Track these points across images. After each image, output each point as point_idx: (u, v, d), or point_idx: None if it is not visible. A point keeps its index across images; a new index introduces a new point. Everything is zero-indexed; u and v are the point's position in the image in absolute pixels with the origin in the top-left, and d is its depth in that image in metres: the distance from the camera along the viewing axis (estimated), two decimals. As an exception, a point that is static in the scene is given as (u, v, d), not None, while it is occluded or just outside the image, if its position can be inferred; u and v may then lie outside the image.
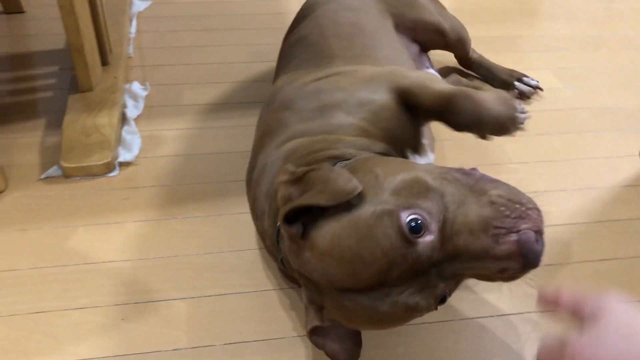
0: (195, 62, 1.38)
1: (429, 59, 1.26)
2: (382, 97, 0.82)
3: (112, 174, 1.05)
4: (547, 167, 1.13)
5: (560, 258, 0.94)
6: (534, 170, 1.12)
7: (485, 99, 0.80)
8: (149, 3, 1.60)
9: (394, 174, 0.62)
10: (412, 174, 0.62)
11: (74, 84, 1.18)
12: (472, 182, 0.63)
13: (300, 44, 1.04)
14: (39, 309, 0.83)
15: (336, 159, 0.73)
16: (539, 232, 0.59)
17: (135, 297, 0.85)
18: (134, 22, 1.50)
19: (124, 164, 1.07)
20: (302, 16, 1.13)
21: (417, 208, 0.58)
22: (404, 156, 0.81)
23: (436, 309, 0.62)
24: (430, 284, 0.59)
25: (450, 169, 0.66)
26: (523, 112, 0.82)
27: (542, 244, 0.59)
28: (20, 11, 1.54)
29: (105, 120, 1.11)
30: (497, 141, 1.17)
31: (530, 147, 1.18)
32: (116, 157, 1.07)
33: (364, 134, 0.78)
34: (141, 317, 0.82)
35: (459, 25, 1.30)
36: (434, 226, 0.58)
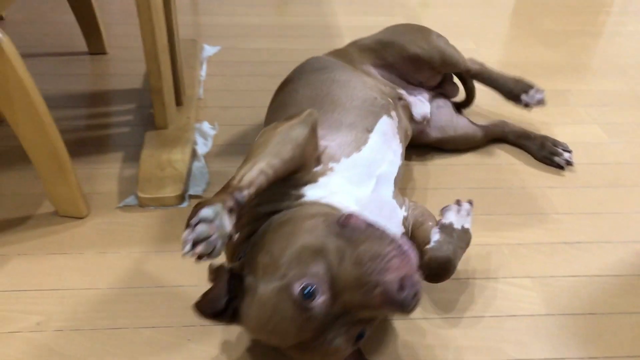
0: (260, 105, 1.49)
1: (428, 93, 1.30)
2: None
3: (182, 205, 1.15)
4: (592, 219, 1.17)
5: (602, 308, 0.97)
6: (578, 222, 1.16)
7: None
8: (218, 49, 1.74)
9: (284, 248, 0.71)
10: (298, 242, 0.71)
11: (151, 121, 1.30)
12: (348, 233, 0.71)
13: (284, 96, 1.14)
14: (116, 326, 0.92)
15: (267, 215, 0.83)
16: (404, 279, 0.64)
17: (200, 320, 0.93)
18: (204, 66, 1.63)
19: (194, 197, 1.17)
20: (297, 72, 1.21)
21: (306, 277, 0.67)
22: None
23: (356, 345, 0.72)
24: (343, 330, 0.69)
25: (331, 221, 0.74)
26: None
27: (410, 287, 0.64)
28: (103, 52, 1.70)
29: (179, 156, 1.22)
30: (542, 191, 1.22)
31: (575, 199, 1.22)
32: (187, 190, 1.17)
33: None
34: (205, 339, 0.90)
35: (440, 46, 1.27)
36: (324, 287, 0.67)
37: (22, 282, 0.98)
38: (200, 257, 0.68)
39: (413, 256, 0.68)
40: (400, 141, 1.08)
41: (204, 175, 1.23)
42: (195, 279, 1.00)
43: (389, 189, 0.97)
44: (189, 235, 0.68)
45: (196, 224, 0.69)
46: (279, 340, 0.72)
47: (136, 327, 0.92)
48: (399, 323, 0.92)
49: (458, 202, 0.94)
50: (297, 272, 0.68)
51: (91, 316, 0.93)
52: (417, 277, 0.67)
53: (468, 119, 1.37)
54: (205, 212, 0.69)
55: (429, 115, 1.26)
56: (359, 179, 0.91)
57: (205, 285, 0.98)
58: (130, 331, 0.91)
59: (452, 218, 0.91)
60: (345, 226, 0.72)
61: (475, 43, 1.94)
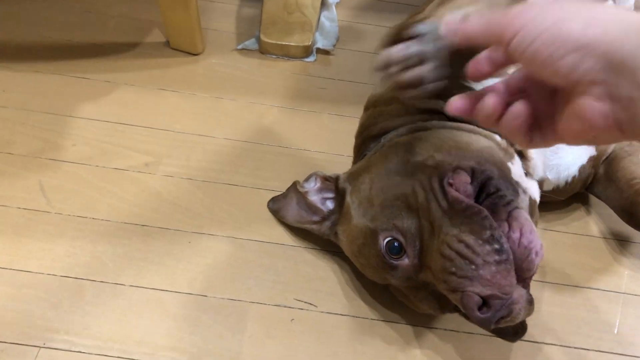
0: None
1: None
2: None
3: (308, 59, 0.99)
4: None
5: None
6: None
7: None
8: None
9: (384, 186, 0.60)
10: (400, 186, 0.59)
11: (279, -45, 1.10)
12: (451, 201, 0.55)
13: None
14: (232, 182, 0.80)
15: (376, 137, 0.70)
16: (490, 297, 0.51)
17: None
18: None
19: (321, 51, 1.00)
20: None
21: (394, 230, 0.57)
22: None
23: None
24: (435, 296, 0.58)
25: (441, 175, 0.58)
26: None
27: (496, 310, 0.51)
28: None
29: (308, 0, 1.03)
30: None
31: None
32: (315, 43, 1.00)
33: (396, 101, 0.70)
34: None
35: None
36: (412, 250, 0.57)
37: (130, 116, 0.86)
38: (404, 88, 0.49)
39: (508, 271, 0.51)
40: None
41: (333, 27, 1.04)
42: (323, 144, 0.86)
43: None
44: (405, 49, 0.48)
45: (410, 38, 0.48)
46: (371, 276, 0.64)
47: (255, 187, 0.79)
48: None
49: None
50: (387, 222, 0.58)
51: (205, 166, 0.81)
52: (515, 296, 0.52)
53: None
54: (423, 28, 0.48)
55: None
56: None
57: (331, 153, 0.86)
58: (248, 190, 0.79)
59: None
60: (451, 200, 0.55)
61: None
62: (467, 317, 0.57)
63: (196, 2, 0.90)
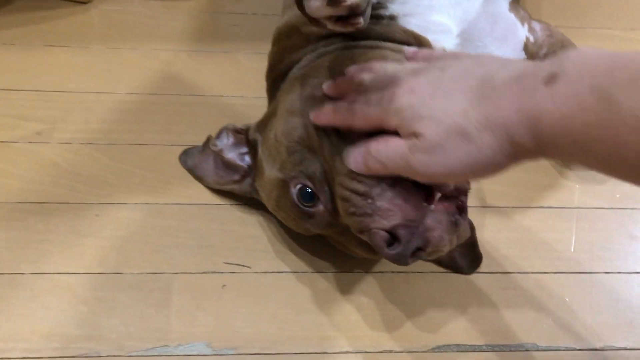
0: None
1: None
2: None
3: (217, -5, 0.88)
4: None
5: None
6: None
7: None
8: None
9: (284, 132, 0.54)
10: (296, 132, 0.52)
11: None
12: (336, 142, 0.49)
13: None
14: (140, 141, 0.70)
15: (284, 75, 0.62)
16: (398, 227, 0.44)
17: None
18: None
19: (232, -15, 0.89)
20: None
21: (301, 177, 0.51)
22: None
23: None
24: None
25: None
26: None
27: (408, 239, 0.44)
28: None
29: None
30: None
31: None
32: (222, -25, 0.89)
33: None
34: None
35: None
36: (322, 196, 0.51)
37: (14, 80, 0.74)
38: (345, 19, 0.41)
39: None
40: None
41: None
42: (242, 87, 0.77)
43: None
44: None
45: None
46: (296, 229, 0.57)
47: (168, 144, 0.70)
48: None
49: None
50: (294, 169, 0.52)
51: (108, 128, 0.71)
52: (429, 222, 0.45)
53: None
54: None
55: None
56: None
57: (252, 96, 0.77)
58: (160, 149, 0.70)
59: None
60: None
61: None
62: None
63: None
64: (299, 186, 0.51)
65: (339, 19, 0.41)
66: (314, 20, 0.42)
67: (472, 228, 0.62)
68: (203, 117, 0.73)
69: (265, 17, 0.85)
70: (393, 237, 0.45)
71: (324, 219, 0.51)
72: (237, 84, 0.77)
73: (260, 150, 0.59)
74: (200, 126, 0.71)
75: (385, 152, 0.43)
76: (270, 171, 0.56)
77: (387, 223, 0.44)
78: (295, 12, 0.57)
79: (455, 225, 0.47)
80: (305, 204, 0.51)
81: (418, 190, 0.45)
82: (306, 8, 0.40)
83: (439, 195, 0.46)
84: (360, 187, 0.45)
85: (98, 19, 0.83)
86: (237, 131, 0.64)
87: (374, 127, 0.45)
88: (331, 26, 0.42)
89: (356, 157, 0.46)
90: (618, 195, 0.70)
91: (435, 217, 0.45)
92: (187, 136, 0.71)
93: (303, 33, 0.60)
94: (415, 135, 0.40)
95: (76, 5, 0.84)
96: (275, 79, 0.63)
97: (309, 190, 0.51)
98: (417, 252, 0.45)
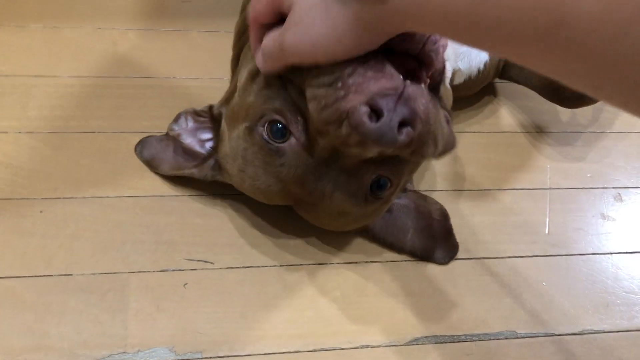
0: None
1: None
2: None
3: (165, -31, 0.81)
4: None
5: None
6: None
7: None
8: None
9: (247, 89, 0.50)
10: (262, 80, 0.48)
11: None
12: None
13: None
14: (87, 129, 0.64)
15: None
16: (375, 97, 0.38)
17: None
18: None
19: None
20: None
21: (270, 113, 0.47)
22: None
23: (378, 198, 0.49)
24: (342, 179, 0.47)
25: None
26: None
27: (389, 106, 0.38)
28: None
29: None
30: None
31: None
32: (170, -53, 0.82)
33: None
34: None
35: None
36: (293, 128, 0.46)
37: (-62, 63, 0.67)
38: None
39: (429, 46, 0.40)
40: None
41: None
42: (195, 68, 0.71)
43: None
44: None
45: None
46: (267, 200, 0.53)
47: (117, 131, 0.64)
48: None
49: None
50: (260, 110, 0.48)
51: (49, 114, 0.65)
52: (410, 91, 0.39)
53: None
54: None
55: None
56: None
57: (207, 78, 0.72)
58: (109, 136, 0.64)
59: None
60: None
61: None
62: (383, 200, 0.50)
63: None
64: (267, 123, 0.47)
65: None
66: None
67: (446, 216, 0.60)
68: (154, 101, 0.68)
69: (219, -8, 0.80)
70: (375, 114, 0.39)
71: (297, 155, 0.46)
72: (190, 65, 0.72)
73: (224, 122, 0.55)
74: (151, 111, 0.66)
75: (266, 44, 0.43)
76: (234, 130, 0.52)
77: (364, 97, 0.38)
78: None
79: (438, 100, 0.44)
80: (275, 140, 0.47)
81: (395, 66, 0.40)
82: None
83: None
84: (326, 79, 0.40)
85: (34, -6, 0.76)
86: (197, 114, 0.60)
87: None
88: None
89: (258, 58, 0.45)
90: (589, 175, 0.69)
91: (416, 88, 0.40)
92: (137, 122, 0.65)
93: None
94: (289, 12, 0.39)
95: (8, -20, 0.76)
96: (242, 48, 0.58)
97: (279, 125, 0.46)
98: (404, 129, 0.39)
